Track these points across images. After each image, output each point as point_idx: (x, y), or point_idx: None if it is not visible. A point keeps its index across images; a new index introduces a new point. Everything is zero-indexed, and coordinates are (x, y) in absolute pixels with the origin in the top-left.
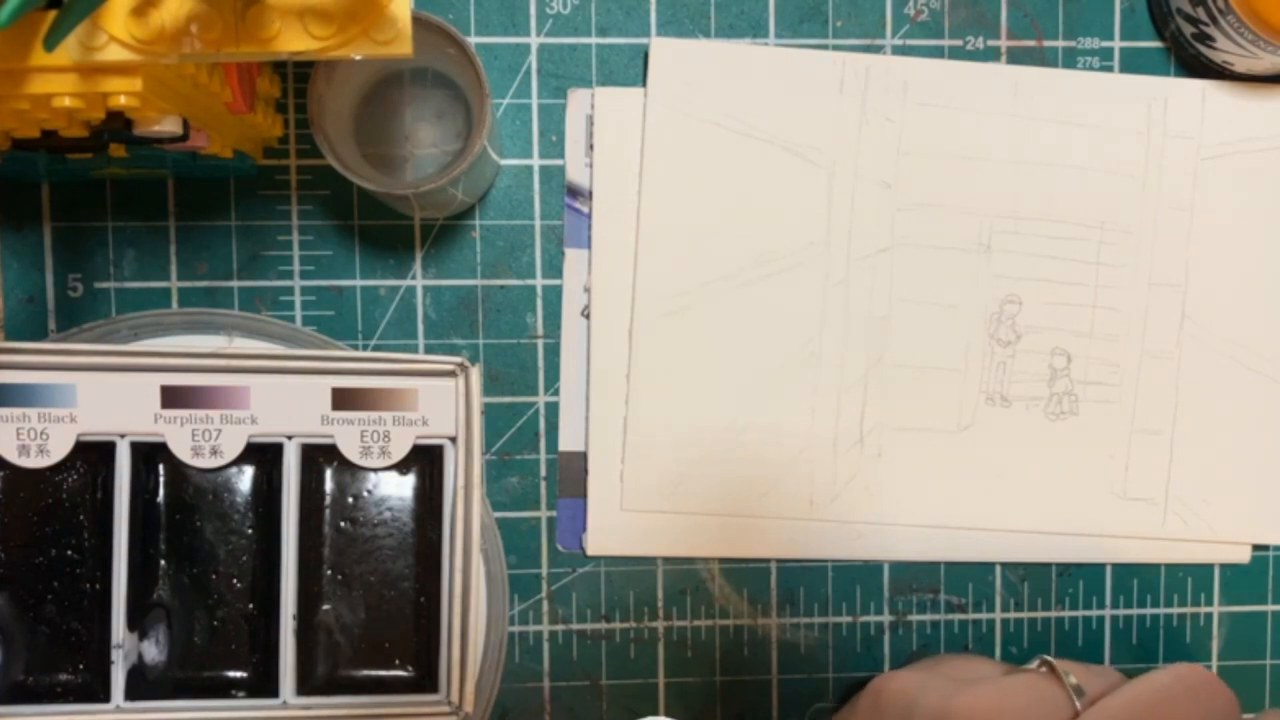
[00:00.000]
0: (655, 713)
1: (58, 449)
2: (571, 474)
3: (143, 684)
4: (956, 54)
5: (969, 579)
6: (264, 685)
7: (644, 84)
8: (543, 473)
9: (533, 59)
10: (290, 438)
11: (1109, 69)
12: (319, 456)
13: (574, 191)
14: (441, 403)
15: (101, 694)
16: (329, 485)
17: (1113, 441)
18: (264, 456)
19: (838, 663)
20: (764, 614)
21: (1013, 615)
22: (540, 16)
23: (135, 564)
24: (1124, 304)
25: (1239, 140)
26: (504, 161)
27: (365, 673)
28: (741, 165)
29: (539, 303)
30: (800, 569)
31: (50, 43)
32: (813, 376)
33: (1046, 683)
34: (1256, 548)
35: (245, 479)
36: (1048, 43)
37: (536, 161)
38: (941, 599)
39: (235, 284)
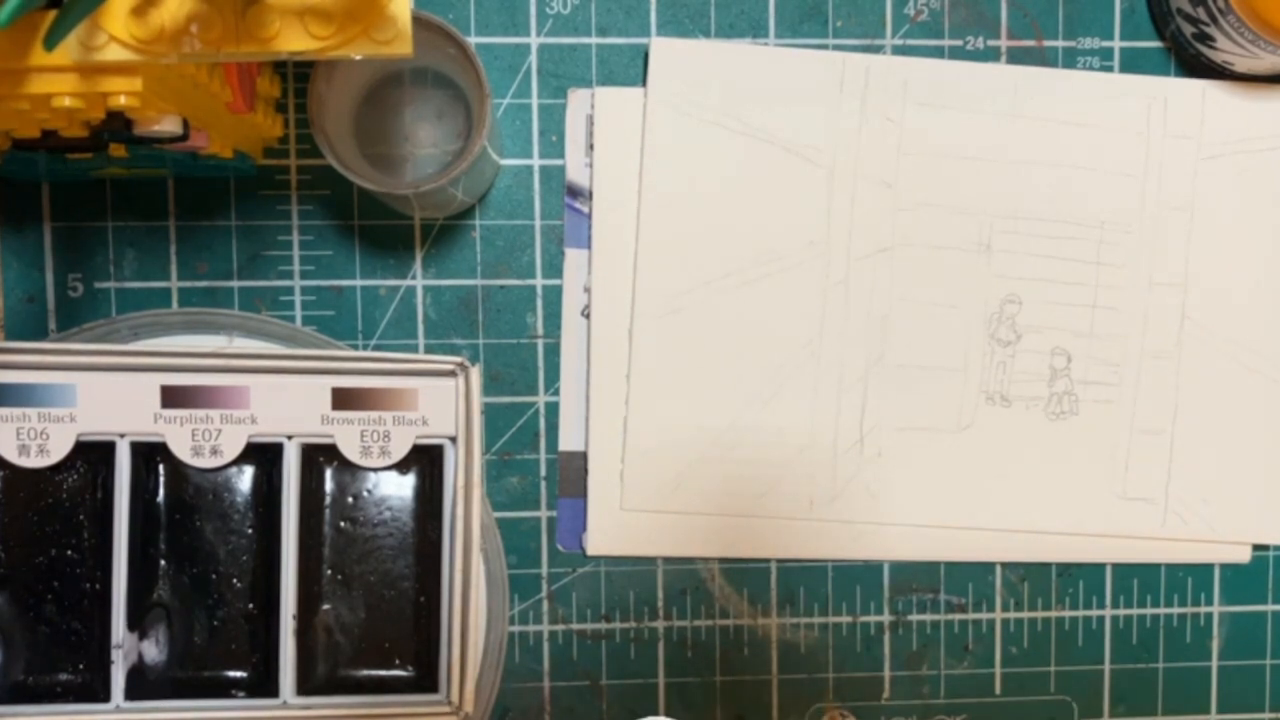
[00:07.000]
0: (655, 713)
1: (58, 449)
2: (571, 474)
3: (143, 684)
4: (956, 54)
5: (969, 579)
6: (264, 685)
7: (644, 84)
8: (543, 473)
9: (533, 59)
10: (290, 437)
11: (1109, 69)
12: (319, 456)
13: (574, 191)
14: (441, 403)
15: (101, 694)
16: (329, 485)
17: (1113, 441)
18: (264, 456)
19: (838, 663)
20: (764, 614)
21: (1013, 615)
22: (540, 16)
23: (135, 564)
24: (1124, 304)
25: (1239, 140)
26: (504, 161)
27: (365, 672)
28: (741, 165)
29: (539, 303)
30: (800, 569)
31: (50, 42)
32: (813, 376)
33: None
34: (1256, 548)
35: (245, 479)
36: (1048, 43)
37: (536, 161)
38: (941, 599)
39: (235, 284)
